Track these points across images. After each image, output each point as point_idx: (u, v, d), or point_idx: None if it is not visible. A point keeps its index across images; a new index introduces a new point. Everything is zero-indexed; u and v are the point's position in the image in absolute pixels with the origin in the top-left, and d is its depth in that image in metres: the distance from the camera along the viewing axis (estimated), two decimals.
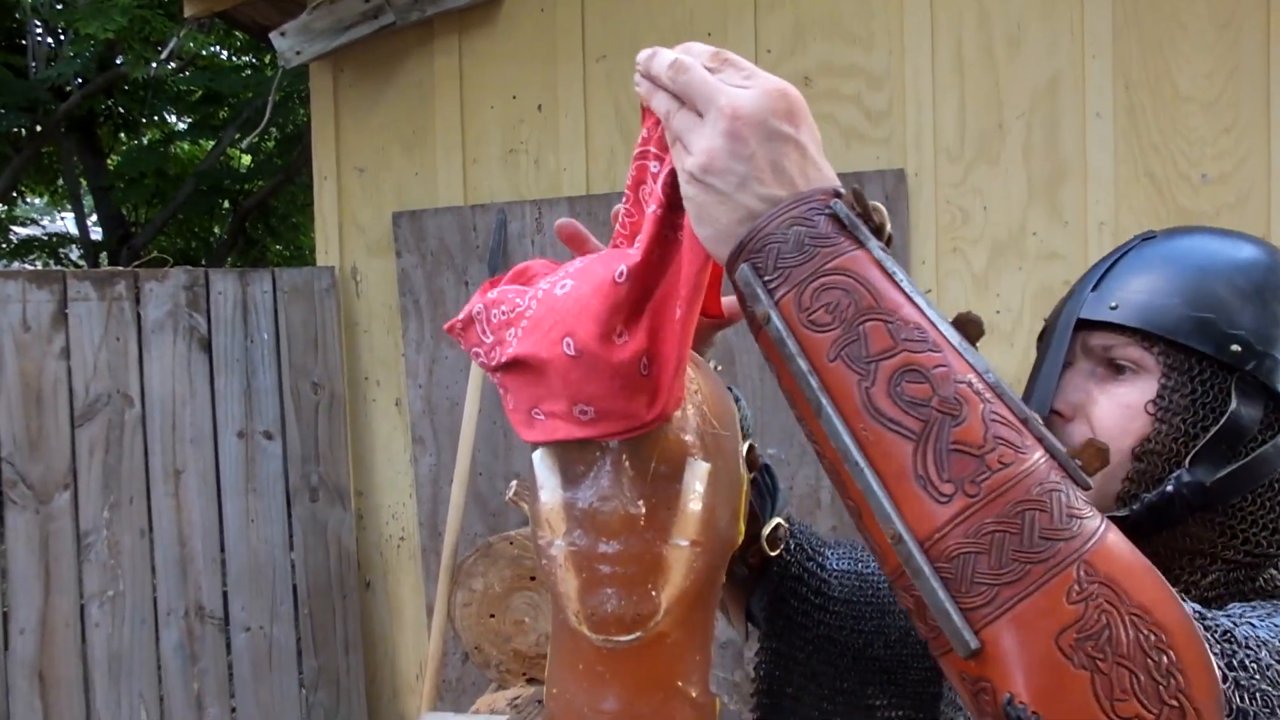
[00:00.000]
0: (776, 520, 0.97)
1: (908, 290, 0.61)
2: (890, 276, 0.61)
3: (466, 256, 2.89)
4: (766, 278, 0.62)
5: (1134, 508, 0.82)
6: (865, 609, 1.01)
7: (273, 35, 2.72)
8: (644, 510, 0.79)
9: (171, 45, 3.84)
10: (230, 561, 2.85)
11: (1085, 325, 0.88)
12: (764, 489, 0.97)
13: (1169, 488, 0.81)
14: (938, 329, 0.60)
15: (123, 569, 2.72)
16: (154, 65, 4.30)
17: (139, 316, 2.76)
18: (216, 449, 2.82)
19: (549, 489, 0.86)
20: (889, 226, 0.65)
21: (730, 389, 0.99)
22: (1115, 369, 0.85)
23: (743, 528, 0.91)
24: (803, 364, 0.61)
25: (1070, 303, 0.90)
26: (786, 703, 1.03)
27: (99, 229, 7.28)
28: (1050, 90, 2.65)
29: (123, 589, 2.72)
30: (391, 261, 2.98)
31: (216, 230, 7.67)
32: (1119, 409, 0.84)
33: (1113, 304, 0.86)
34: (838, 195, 0.63)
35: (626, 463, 0.80)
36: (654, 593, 0.79)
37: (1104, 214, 2.62)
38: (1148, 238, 0.91)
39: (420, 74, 2.97)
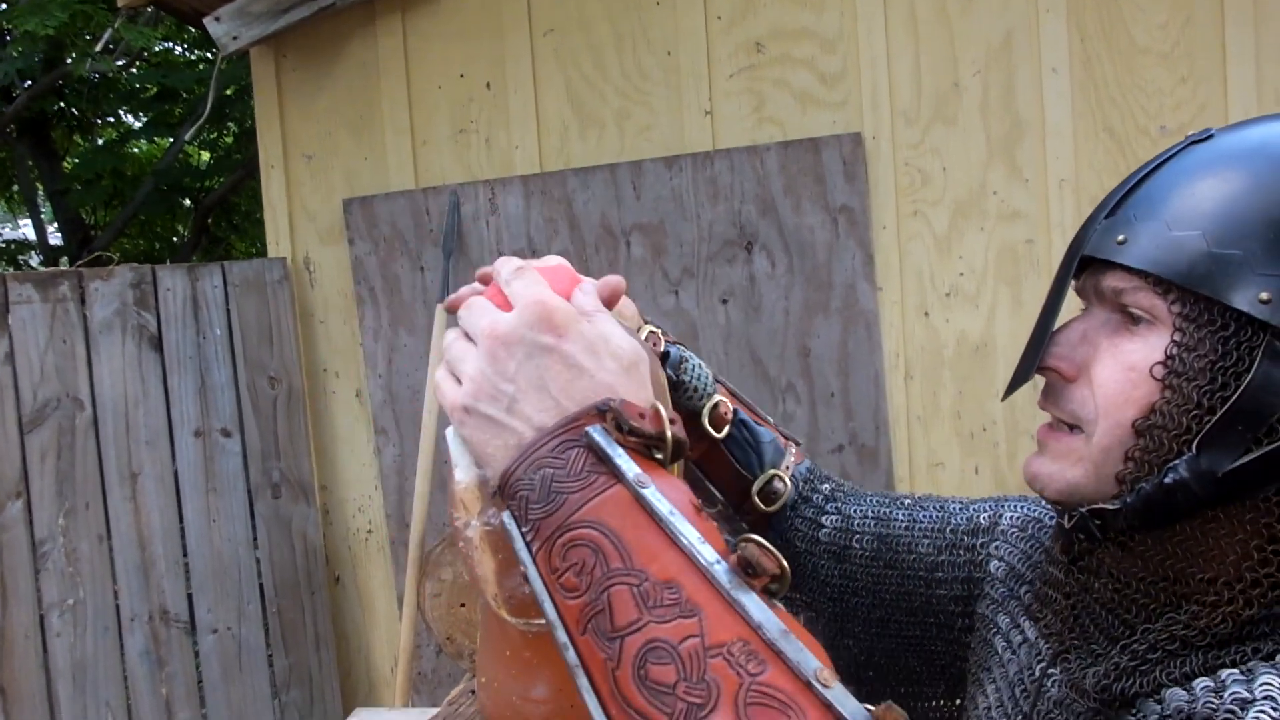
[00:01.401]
0: (770, 474, 0.95)
1: (670, 529, 0.54)
2: (651, 514, 0.54)
3: (421, 241, 2.83)
4: (523, 529, 0.57)
5: (1127, 499, 0.66)
6: (887, 573, 0.94)
7: (207, 20, 2.63)
8: None
9: (106, 37, 3.72)
10: (193, 563, 2.79)
11: (1094, 261, 0.71)
12: (745, 443, 0.95)
13: (1169, 477, 0.64)
14: (706, 577, 0.52)
15: (82, 576, 2.65)
16: (91, 59, 4.17)
17: (85, 317, 2.68)
18: (173, 449, 2.76)
19: (463, 466, 0.82)
20: (670, 430, 0.59)
21: (679, 348, 0.95)
22: (1130, 317, 0.68)
23: None
24: (560, 635, 0.54)
25: (1080, 232, 0.73)
26: None
27: (59, 234, 7.13)
28: (1005, 46, 2.61)
29: (83, 596, 2.65)
30: (344, 249, 2.91)
31: (180, 229, 7.54)
32: (1122, 371, 0.67)
33: (1121, 237, 0.68)
34: (602, 413, 0.58)
35: None
36: None
37: (1064, 170, 2.59)
38: (1200, 139, 0.71)
39: (364, 55, 2.90)
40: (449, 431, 0.82)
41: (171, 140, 6.54)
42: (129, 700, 2.70)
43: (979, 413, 2.64)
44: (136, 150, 7.51)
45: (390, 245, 2.85)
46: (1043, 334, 0.72)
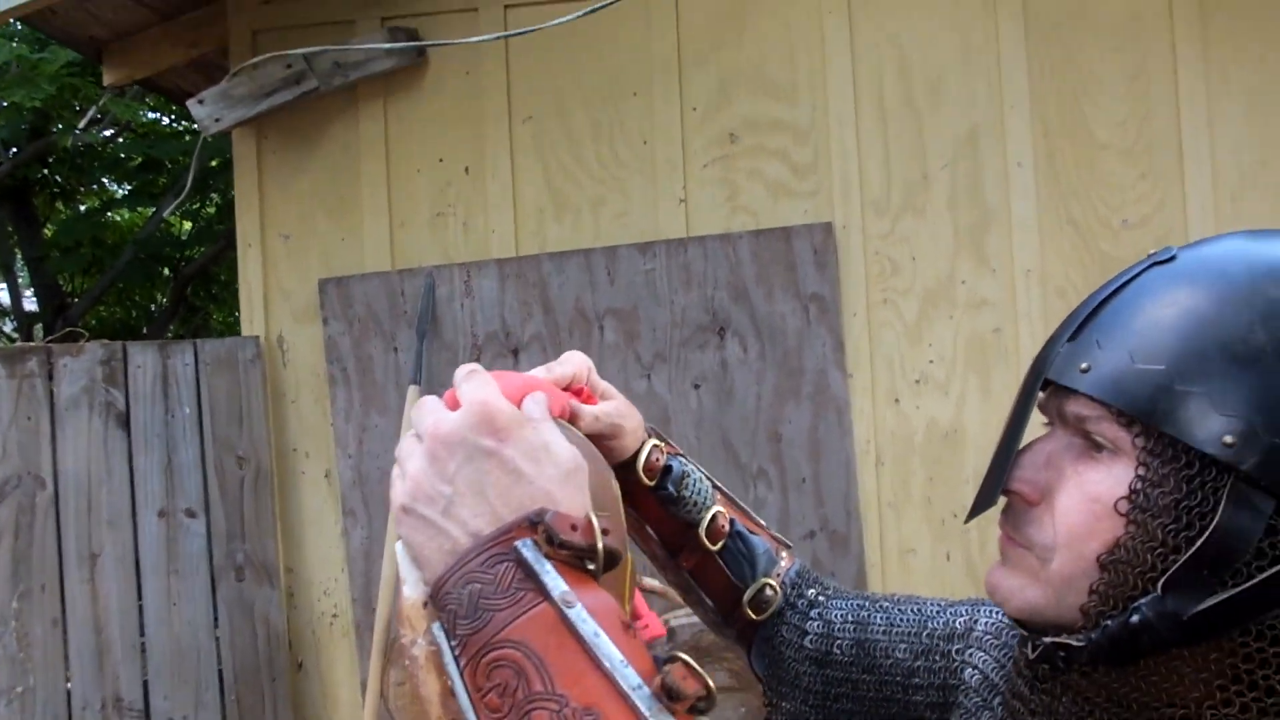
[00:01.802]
0: (763, 582, 0.95)
1: (593, 651, 0.54)
2: (575, 635, 0.54)
3: (395, 322, 2.83)
4: (451, 643, 0.57)
5: (1092, 635, 0.64)
6: (865, 678, 0.93)
7: (190, 103, 2.67)
8: None
9: (90, 114, 3.77)
10: (151, 648, 2.71)
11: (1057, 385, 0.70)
12: (739, 554, 0.96)
13: (1134, 617, 0.62)
14: (626, 703, 0.52)
15: (33, 662, 2.57)
16: (79, 130, 4.21)
17: (52, 394, 2.65)
18: (135, 529, 2.70)
19: (410, 582, 0.81)
20: (602, 543, 0.58)
21: (681, 461, 0.96)
22: (1093, 444, 0.66)
23: (629, 609, 0.87)
24: None
25: (1043, 353, 0.71)
26: None
27: (34, 300, 7.10)
28: (971, 140, 2.68)
29: (33, 684, 2.57)
30: (318, 329, 2.91)
31: (159, 298, 7.53)
32: (1085, 503, 0.65)
33: (1084, 365, 0.66)
34: (534, 525, 0.58)
35: None
36: None
37: (1030, 260, 2.64)
38: (1162, 260, 0.69)
39: (345, 138, 2.94)
40: (398, 547, 0.81)
41: (154, 209, 6.58)
42: None
43: (950, 499, 2.64)
44: (118, 219, 7.53)
45: (364, 326, 2.85)
46: (1006, 456, 0.70)
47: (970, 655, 0.89)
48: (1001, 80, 2.67)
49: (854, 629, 0.95)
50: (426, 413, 0.64)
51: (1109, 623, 0.63)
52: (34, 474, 2.62)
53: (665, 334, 2.70)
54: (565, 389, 0.89)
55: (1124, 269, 0.71)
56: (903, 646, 0.92)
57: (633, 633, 0.57)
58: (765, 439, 2.67)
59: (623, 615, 0.58)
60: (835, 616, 0.96)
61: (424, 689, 0.78)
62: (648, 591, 2.54)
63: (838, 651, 0.94)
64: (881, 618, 0.95)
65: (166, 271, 7.01)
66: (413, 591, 0.80)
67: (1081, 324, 0.69)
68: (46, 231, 6.85)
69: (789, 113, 2.75)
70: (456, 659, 0.56)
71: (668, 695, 0.53)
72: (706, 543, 0.93)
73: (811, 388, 2.65)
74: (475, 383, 0.64)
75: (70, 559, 2.63)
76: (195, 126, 6.46)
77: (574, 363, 0.88)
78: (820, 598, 0.98)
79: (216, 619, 2.78)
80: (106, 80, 2.86)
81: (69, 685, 2.63)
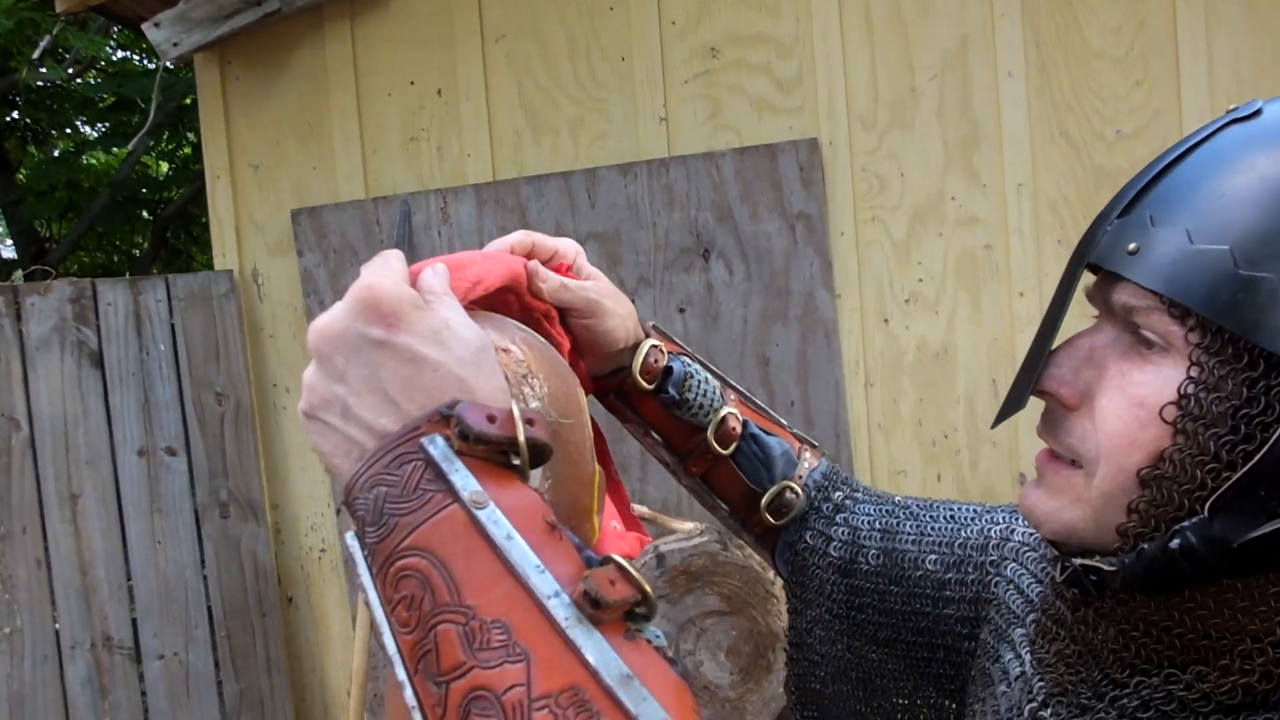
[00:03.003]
0: (782, 485, 0.90)
1: (505, 556, 0.48)
2: (487, 538, 0.48)
3: (371, 252, 2.74)
4: (365, 553, 0.51)
5: (1126, 559, 0.57)
6: (892, 589, 0.87)
7: (146, 26, 2.55)
8: None
9: (44, 43, 3.62)
10: (138, 587, 2.69)
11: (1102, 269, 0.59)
12: (754, 457, 0.90)
13: (1174, 541, 0.54)
14: (542, 611, 0.47)
15: (19, 603, 2.56)
16: (34, 59, 4.07)
17: (21, 334, 2.59)
18: (115, 469, 2.67)
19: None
20: (524, 434, 0.52)
21: (683, 361, 0.90)
22: (1143, 340, 0.57)
23: (598, 523, 0.83)
24: (400, 672, 0.49)
25: (1089, 232, 0.61)
26: (814, 697, 0.93)
27: (12, 247, 6.98)
28: (961, 51, 2.59)
29: (20, 625, 2.55)
30: (293, 261, 2.84)
31: (139, 241, 7.41)
32: (1129, 408, 0.56)
33: (1133, 245, 0.56)
34: (445, 419, 0.51)
35: None
36: None
37: (1021, 175, 2.57)
38: (1242, 116, 0.57)
39: (312, 63, 2.83)
40: (350, 535, 0.76)
41: (130, 151, 6.42)
42: None
43: (940, 420, 2.62)
44: (93, 162, 7.37)
45: (340, 256, 2.78)
46: (1039, 353, 0.61)
47: (1005, 568, 0.82)
48: None
49: (881, 537, 0.89)
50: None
51: (1146, 546, 0.55)
52: (8, 415, 2.57)
53: (649, 257, 2.64)
54: (547, 263, 0.81)
55: (1194, 131, 0.59)
56: (933, 557, 0.86)
57: (558, 534, 0.51)
58: (753, 362, 2.63)
59: (547, 514, 0.52)
60: (862, 523, 0.90)
61: (389, 649, 0.74)
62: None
63: (864, 561, 0.88)
64: (912, 525, 0.89)
65: (146, 214, 6.88)
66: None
67: (1136, 196, 0.58)
68: (20, 176, 6.69)
69: (771, 25, 2.64)
70: (370, 570, 0.51)
71: (591, 603, 0.47)
72: (716, 446, 0.88)
73: (799, 309, 2.60)
74: (370, 266, 0.57)
75: (51, 500, 2.60)
76: (170, 65, 6.29)
77: (564, 242, 0.82)
78: (847, 501, 0.92)
79: (203, 557, 2.76)
80: (59, 7, 2.73)
81: (57, 625, 2.61)
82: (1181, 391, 0.54)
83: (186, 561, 2.73)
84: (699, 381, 0.88)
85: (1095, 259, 0.59)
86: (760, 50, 2.65)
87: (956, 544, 0.86)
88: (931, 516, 0.89)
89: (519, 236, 0.78)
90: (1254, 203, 0.53)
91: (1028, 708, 0.69)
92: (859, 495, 0.93)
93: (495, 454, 0.52)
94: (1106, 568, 0.58)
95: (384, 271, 0.56)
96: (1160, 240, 0.55)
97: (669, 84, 2.68)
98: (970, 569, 0.85)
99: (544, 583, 0.48)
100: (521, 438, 0.52)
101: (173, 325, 2.74)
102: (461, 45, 2.76)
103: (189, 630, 2.72)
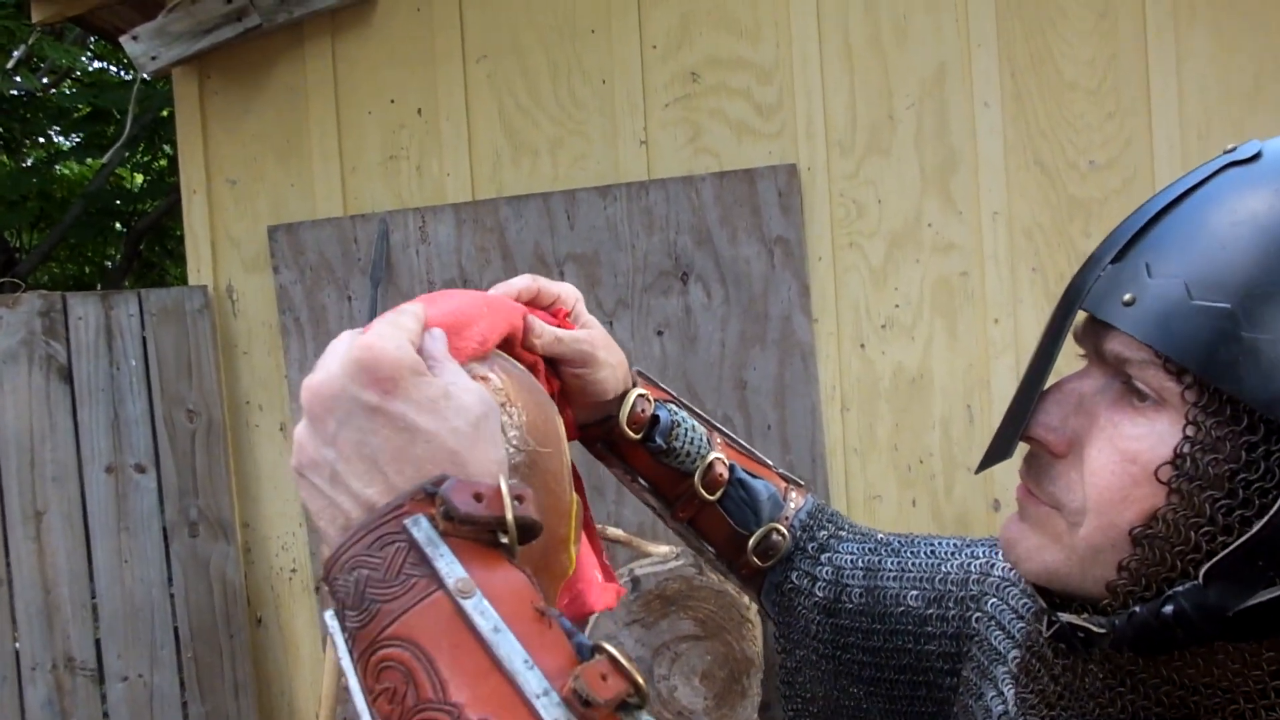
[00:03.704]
0: (769, 528, 0.90)
1: (493, 651, 0.46)
2: (474, 631, 0.47)
3: (348, 270, 2.74)
4: (346, 635, 0.50)
5: (1116, 621, 0.55)
6: (876, 627, 0.87)
7: (124, 39, 2.54)
8: None
9: (18, 54, 3.59)
10: (102, 607, 2.64)
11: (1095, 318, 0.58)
12: (741, 501, 0.90)
13: (1167, 607, 0.52)
14: (530, 710, 0.46)
15: None
16: (8, 69, 4.02)
17: None
18: (82, 486, 2.62)
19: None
20: (512, 512, 0.50)
21: (669, 410, 0.90)
22: (1135, 391, 0.55)
23: (574, 553, 0.82)
24: None
25: (1080, 276, 0.59)
26: None
27: None
28: (938, 79, 2.62)
29: None
30: (269, 278, 2.81)
31: (112, 253, 7.32)
32: (1121, 463, 0.54)
33: (1127, 296, 0.54)
34: (430, 496, 0.50)
35: None
36: None
37: (996, 203, 2.60)
38: (1242, 160, 0.55)
39: (292, 79, 2.82)
40: (329, 614, 0.74)
41: (104, 163, 6.36)
42: None
43: (916, 445, 2.63)
44: (66, 172, 7.28)
45: (317, 274, 2.76)
46: (1026, 402, 0.59)
47: (986, 603, 0.82)
48: (969, 17, 2.61)
49: (865, 575, 0.89)
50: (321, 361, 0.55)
51: (1138, 609, 0.54)
52: None
53: (627, 279, 2.64)
54: (548, 309, 0.81)
55: (1191, 170, 0.57)
56: (915, 593, 0.86)
57: (547, 621, 0.50)
58: (730, 386, 2.63)
59: (537, 600, 0.50)
60: (846, 561, 0.90)
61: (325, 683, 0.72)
62: (611, 541, 2.51)
63: (848, 600, 0.89)
64: (893, 561, 0.88)
65: (119, 226, 6.81)
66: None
67: (1130, 242, 0.55)
68: None
69: (752, 51, 2.67)
70: (351, 654, 0.49)
71: (582, 703, 0.46)
72: (704, 493, 0.88)
73: (777, 333, 2.61)
74: (381, 322, 0.55)
75: (14, 516, 2.55)
76: (147, 77, 6.26)
77: (565, 288, 0.81)
78: (831, 540, 0.92)
79: (170, 576, 2.71)
80: (35, 17, 2.70)
81: (17, 645, 2.56)
82: (1177, 451, 0.53)
83: (154, 580, 2.68)
84: (686, 430, 0.88)
85: (1088, 307, 0.57)
86: (740, 75, 2.67)
87: (937, 579, 0.86)
88: (912, 552, 0.89)
89: (524, 282, 0.77)
90: (1256, 258, 0.50)
91: None
92: (844, 534, 0.94)
93: (483, 533, 0.50)
94: (1096, 629, 0.56)
95: (389, 331, 0.54)
96: (1157, 293, 0.53)
97: (649, 107, 2.69)
98: (951, 604, 0.85)
99: (533, 680, 0.46)
100: (510, 517, 0.50)
101: (144, 340, 2.70)
102: (443, 65, 2.76)
103: (154, 651, 2.67)
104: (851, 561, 0.90)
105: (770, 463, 0.97)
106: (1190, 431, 0.52)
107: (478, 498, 0.50)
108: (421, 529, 0.49)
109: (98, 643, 2.63)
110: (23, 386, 2.57)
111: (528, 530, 0.52)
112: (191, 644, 2.72)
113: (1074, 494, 0.57)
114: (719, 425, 0.94)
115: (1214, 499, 0.51)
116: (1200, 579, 0.52)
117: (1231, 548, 0.51)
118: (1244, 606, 0.50)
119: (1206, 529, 0.51)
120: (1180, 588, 0.52)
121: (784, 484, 0.95)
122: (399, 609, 0.47)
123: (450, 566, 0.48)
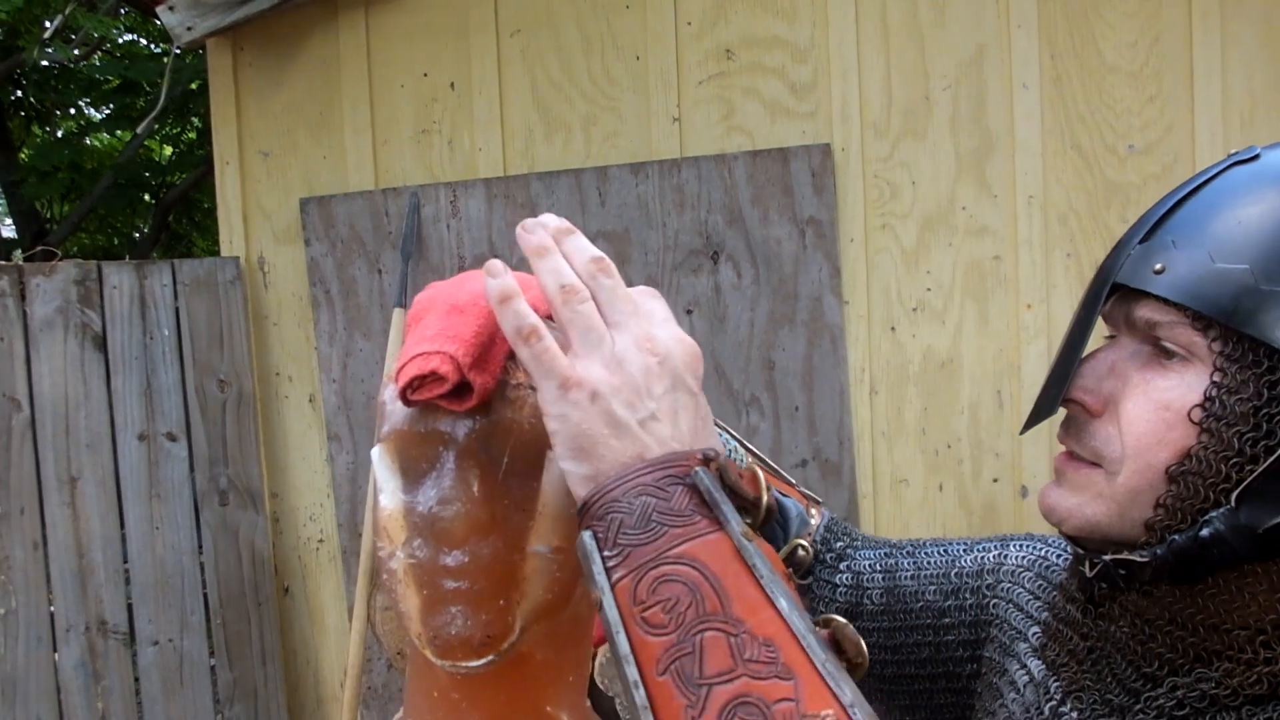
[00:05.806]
0: (795, 544, 0.94)
1: (768, 589, 0.52)
2: (750, 569, 0.53)
3: (379, 243, 2.75)
4: (606, 553, 0.55)
5: (1158, 550, 0.62)
6: (896, 625, 0.93)
7: (160, 9, 2.54)
8: (494, 513, 0.69)
9: (56, 23, 3.61)
10: (134, 572, 2.68)
11: (1126, 288, 0.66)
12: (774, 521, 0.95)
13: (1204, 530, 0.60)
14: (800, 644, 0.51)
15: (14, 585, 2.54)
16: (45, 39, 4.04)
17: (25, 314, 2.58)
18: (115, 453, 2.65)
19: (388, 492, 0.75)
20: (767, 497, 0.60)
21: (722, 429, 0.93)
22: (1163, 351, 0.64)
23: None
24: (630, 671, 0.52)
25: (1111, 256, 0.68)
26: None
27: (12, 227, 6.94)
28: (976, 61, 2.59)
29: (15, 606, 2.54)
30: (300, 250, 2.83)
31: (140, 225, 7.38)
32: (1155, 411, 0.63)
33: (1158, 265, 0.63)
34: (707, 461, 0.57)
35: (474, 458, 0.70)
36: (507, 610, 0.69)
37: (1033, 187, 2.57)
38: (1244, 159, 0.66)
39: (325, 52, 2.82)
40: (376, 452, 0.75)
41: (134, 134, 6.39)
42: (62, 715, 2.59)
43: (944, 429, 2.61)
44: (96, 144, 7.33)
45: (348, 247, 2.77)
46: (1068, 364, 0.67)
47: (1002, 589, 0.88)
48: None
49: (883, 578, 0.94)
50: (646, 317, 0.60)
51: (1177, 537, 0.61)
52: (9, 395, 2.56)
53: (658, 258, 2.63)
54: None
55: (1199, 171, 0.68)
56: (932, 589, 0.92)
57: (794, 584, 0.57)
58: (758, 366, 2.62)
59: (784, 567, 0.57)
60: (864, 566, 0.95)
61: (403, 603, 0.73)
62: None
63: (868, 602, 0.93)
64: (909, 562, 0.94)
65: (148, 198, 6.85)
66: (389, 501, 0.74)
67: (1155, 225, 0.66)
68: (22, 156, 6.66)
69: (787, 30, 2.64)
70: (608, 570, 0.54)
71: (835, 648, 0.52)
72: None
73: (806, 314, 2.60)
74: (680, 331, 0.62)
75: (49, 482, 2.58)
76: (178, 49, 6.28)
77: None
78: (849, 550, 0.97)
79: (200, 543, 2.75)
80: None
81: (51, 608, 2.60)
82: (1207, 395, 0.61)
83: (184, 548, 2.72)
84: (729, 451, 0.90)
85: (1122, 279, 0.65)
86: (775, 54, 2.64)
87: (953, 574, 0.92)
88: (926, 553, 0.95)
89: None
90: (1269, 228, 0.60)
91: (1047, 706, 0.73)
92: (859, 543, 0.98)
93: (740, 505, 0.57)
94: (1139, 559, 0.63)
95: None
96: (1183, 260, 0.62)
97: (683, 85, 2.67)
98: (968, 594, 0.90)
99: (801, 621, 0.51)
100: (765, 498, 0.60)
101: (177, 310, 2.73)
102: (476, 39, 2.75)
103: (184, 617, 2.71)
104: (870, 566, 0.95)
105: (794, 481, 1.01)
106: (1217, 378, 0.61)
107: (741, 476, 0.59)
108: (704, 479, 0.55)
109: (129, 607, 2.67)
110: (58, 354, 2.60)
111: (770, 514, 0.62)
112: (221, 611, 2.76)
113: (1113, 445, 0.65)
114: (752, 447, 0.97)
115: (1241, 433, 0.60)
116: (1233, 502, 0.59)
117: (1259, 469, 0.59)
118: (1273, 523, 0.58)
119: (1235, 460, 0.60)
120: (1215, 512, 0.60)
121: (807, 503, 0.99)
122: (685, 535, 0.53)
123: (732, 514, 0.55)
